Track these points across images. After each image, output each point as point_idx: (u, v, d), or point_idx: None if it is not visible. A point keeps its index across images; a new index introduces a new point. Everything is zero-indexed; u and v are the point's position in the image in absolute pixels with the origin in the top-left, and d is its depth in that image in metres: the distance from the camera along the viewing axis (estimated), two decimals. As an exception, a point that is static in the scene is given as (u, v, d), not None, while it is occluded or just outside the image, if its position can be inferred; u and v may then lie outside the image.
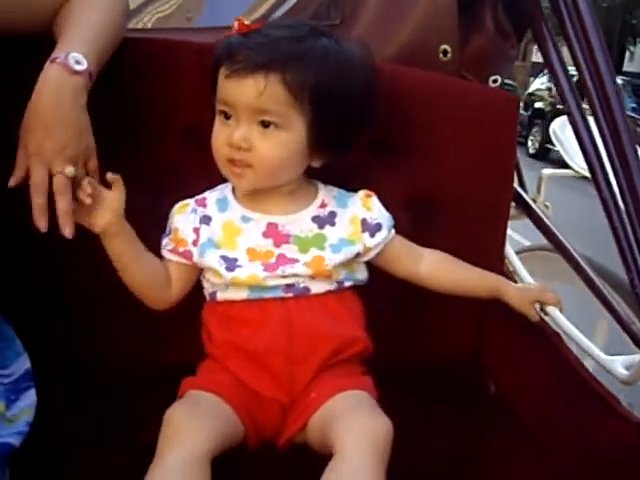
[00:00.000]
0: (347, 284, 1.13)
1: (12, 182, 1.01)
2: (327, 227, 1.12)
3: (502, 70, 1.51)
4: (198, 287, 1.15)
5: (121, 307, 1.21)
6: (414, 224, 1.27)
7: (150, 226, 1.12)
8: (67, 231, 1.00)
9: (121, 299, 1.18)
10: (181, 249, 1.11)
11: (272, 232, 1.10)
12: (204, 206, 1.13)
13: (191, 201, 1.14)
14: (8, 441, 0.93)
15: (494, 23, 1.43)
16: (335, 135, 1.08)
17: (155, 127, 1.20)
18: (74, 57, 1.02)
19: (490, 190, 1.32)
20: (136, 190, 1.06)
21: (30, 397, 1.03)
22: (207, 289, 1.13)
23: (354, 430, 0.93)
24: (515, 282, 1.40)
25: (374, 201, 1.16)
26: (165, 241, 1.13)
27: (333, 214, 1.13)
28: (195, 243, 1.10)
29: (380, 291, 1.19)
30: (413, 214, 1.28)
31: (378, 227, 1.15)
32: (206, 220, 1.12)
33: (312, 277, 1.09)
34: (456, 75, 1.40)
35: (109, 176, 1.03)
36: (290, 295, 1.08)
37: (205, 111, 1.21)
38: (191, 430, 0.92)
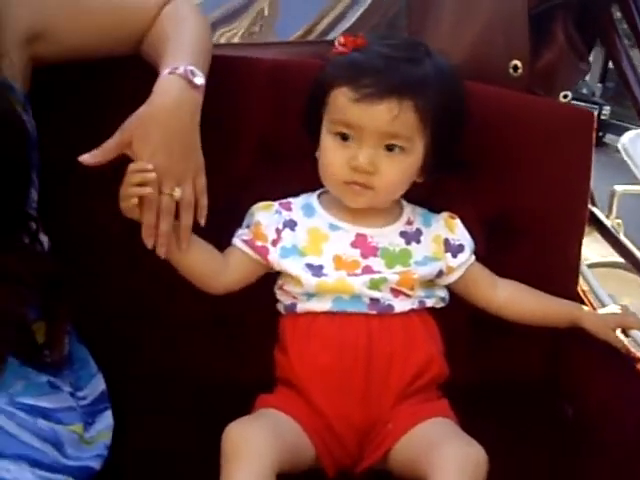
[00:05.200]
0: (429, 303, 1.12)
1: (88, 160, 0.94)
2: (413, 244, 1.11)
3: (572, 84, 1.49)
4: (271, 302, 1.13)
5: (193, 323, 1.21)
6: (489, 242, 1.24)
7: (220, 243, 1.11)
8: (162, 251, 1.00)
9: (192, 315, 1.18)
10: (259, 243, 1.10)
11: (361, 243, 1.09)
12: (289, 210, 1.12)
13: (275, 203, 1.13)
14: (89, 464, 0.93)
15: (565, 37, 1.40)
16: (444, 155, 1.09)
17: (226, 144, 1.19)
18: (193, 70, 1.00)
19: (566, 207, 1.29)
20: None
21: (107, 419, 1.03)
22: (284, 301, 1.11)
23: (452, 457, 0.91)
24: (589, 300, 1.36)
25: (457, 223, 1.16)
26: (242, 230, 1.12)
27: (419, 231, 1.13)
28: (274, 243, 1.09)
29: (456, 314, 1.17)
30: (488, 232, 1.26)
31: (460, 248, 1.14)
32: (291, 224, 1.10)
33: (397, 292, 1.07)
34: (527, 91, 1.37)
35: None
36: (374, 312, 1.06)
37: (278, 127, 1.21)
38: (253, 443, 0.91)
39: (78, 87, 1.15)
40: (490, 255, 1.20)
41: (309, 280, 1.06)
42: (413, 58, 1.04)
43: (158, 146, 0.96)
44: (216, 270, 1.10)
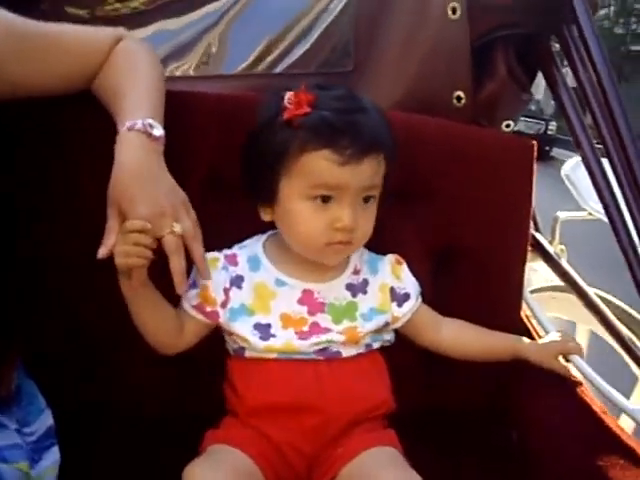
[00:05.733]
0: (375, 346, 1.13)
1: (104, 252, 0.95)
2: (359, 295, 1.11)
3: (514, 114, 1.52)
4: (220, 338, 1.13)
5: (139, 357, 1.20)
6: (433, 272, 1.27)
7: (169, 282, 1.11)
8: (183, 289, 0.99)
9: (141, 348, 1.18)
10: (208, 309, 1.08)
11: (307, 299, 1.08)
12: (235, 264, 1.10)
13: (220, 256, 1.10)
14: (32, 505, 0.93)
15: (506, 68, 1.43)
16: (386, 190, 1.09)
17: (176, 179, 1.15)
18: (150, 123, 1.01)
19: (508, 235, 1.33)
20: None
21: (53, 455, 1.02)
22: (231, 345, 1.12)
23: None
24: (532, 324, 1.40)
25: (403, 269, 1.17)
26: (191, 294, 1.08)
27: (365, 282, 1.13)
28: (224, 305, 1.08)
29: (402, 346, 1.18)
30: (431, 262, 1.28)
31: (406, 297, 1.15)
32: (238, 281, 1.09)
33: (344, 343, 1.08)
34: (470, 121, 1.41)
35: None
36: (321, 358, 1.07)
37: (227, 161, 1.21)
38: None
39: (26, 122, 1.15)
40: (434, 284, 1.23)
41: (257, 343, 1.06)
42: (362, 107, 1.03)
43: (141, 196, 0.97)
44: (172, 331, 1.08)
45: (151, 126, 1.02)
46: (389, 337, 1.16)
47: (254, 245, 1.13)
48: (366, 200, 1.03)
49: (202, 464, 0.97)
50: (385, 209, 1.18)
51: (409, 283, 1.16)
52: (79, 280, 1.16)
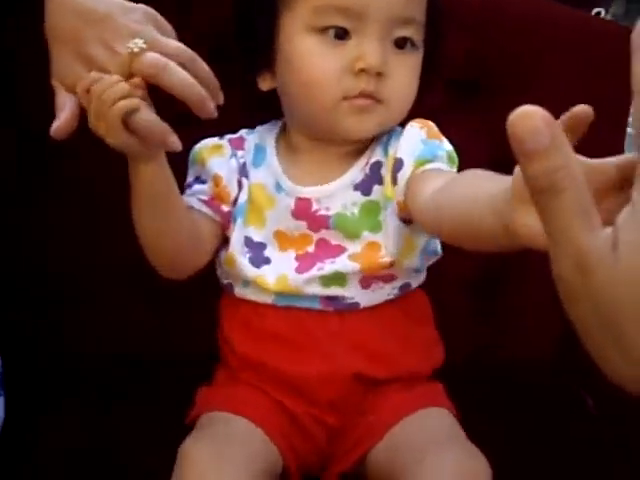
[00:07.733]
0: (414, 283, 0.84)
1: (55, 125, 0.67)
2: (375, 187, 0.79)
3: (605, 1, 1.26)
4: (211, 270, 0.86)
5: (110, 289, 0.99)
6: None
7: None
8: (212, 107, 0.68)
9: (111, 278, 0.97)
10: (225, 208, 0.80)
11: (304, 212, 0.79)
12: (242, 148, 0.83)
13: (223, 142, 0.84)
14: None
15: None
16: (434, 58, 0.80)
17: None
18: None
19: (600, 141, 1.04)
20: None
21: None
22: (220, 275, 0.85)
23: (447, 472, 0.69)
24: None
25: (408, 130, 0.78)
26: (197, 187, 0.81)
27: (378, 165, 0.80)
28: (235, 202, 0.81)
29: (452, 280, 0.94)
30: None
31: (399, 165, 0.76)
32: (245, 171, 0.82)
33: (367, 282, 0.79)
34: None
35: None
36: (330, 309, 0.80)
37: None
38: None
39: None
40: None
41: (247, 270, 0.79)
42: None
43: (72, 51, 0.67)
44: (196, 238, 0.80)
45: None
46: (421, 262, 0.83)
47: (267, 131, 0.86)
48: (400, 45, 0.75)
49: (203, 448, 0.71)
50: (439, 97, 0.95)
51: (406, 144, 0.77)
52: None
